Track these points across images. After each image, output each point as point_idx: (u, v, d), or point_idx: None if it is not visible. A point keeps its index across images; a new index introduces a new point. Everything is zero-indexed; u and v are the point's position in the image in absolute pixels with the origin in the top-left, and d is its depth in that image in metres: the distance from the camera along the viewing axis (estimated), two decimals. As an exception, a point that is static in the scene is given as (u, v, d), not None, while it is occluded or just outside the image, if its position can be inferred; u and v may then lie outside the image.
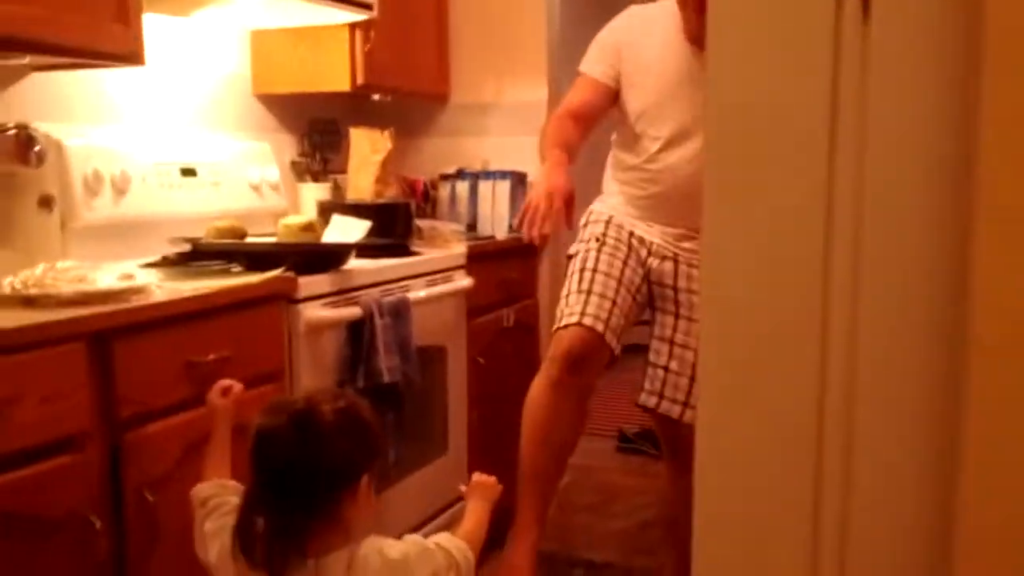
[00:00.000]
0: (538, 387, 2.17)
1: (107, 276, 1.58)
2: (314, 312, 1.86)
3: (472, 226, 2.79)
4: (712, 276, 0.79)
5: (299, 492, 1.14)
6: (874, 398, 0.73)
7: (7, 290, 1.46)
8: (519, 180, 2.81)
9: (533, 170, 2.69)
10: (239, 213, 2.22)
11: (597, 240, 2.19)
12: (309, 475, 1.14)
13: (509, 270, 2.70)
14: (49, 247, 1.71)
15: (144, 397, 1.48)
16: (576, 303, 2.13)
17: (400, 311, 2.04)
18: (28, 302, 1.45)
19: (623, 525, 2.92)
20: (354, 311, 1.93)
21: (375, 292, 2.03)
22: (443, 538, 1.31)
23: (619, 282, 2.14)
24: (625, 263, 2.16)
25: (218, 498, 1.27)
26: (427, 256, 2.33)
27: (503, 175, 2.79)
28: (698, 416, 0.82)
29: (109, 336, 1.44)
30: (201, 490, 1.29)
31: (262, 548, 1.14)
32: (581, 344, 2.11)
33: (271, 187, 2.48)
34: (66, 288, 1.49)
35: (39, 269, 1.54)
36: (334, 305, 1.92)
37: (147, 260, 1.88)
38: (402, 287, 2.13)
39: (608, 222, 2.22)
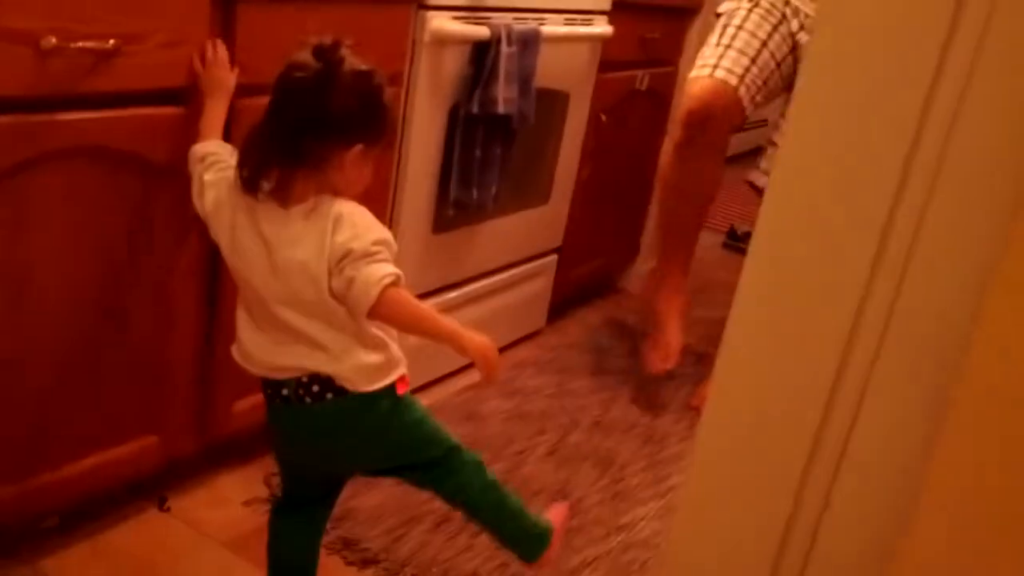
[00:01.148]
0: (666, 149, 2.17)
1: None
2: (442, 23, 1.79)
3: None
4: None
5: (295, 127, 1.15)
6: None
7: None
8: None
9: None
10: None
11: (778, 19, 2.04)
12: (309, 113, 1.14)
13: (655, 29, 2.53)
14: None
15: (259, 67, 1.47)
16: (712, 56, 2.04)
17: (529, 43, 1.95)
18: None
19: (706, 315, 2.91)
20: (482, 31, 1.85)
21: (507, 17, 1.93)
22: (370, 299, 1.15)
23: (763, 44, 2.02)
24: (775, 28, 2.02)
25: (217, 156, 1.30)
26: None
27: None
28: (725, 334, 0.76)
29: (234, -2, 1.42)
30: (202, 147, 1.31)
31: (251, 176, 1.17)
32: (711, 95, 2.03)
33: None
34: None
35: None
36: (463, 21, 1.84)
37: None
38: (537, 18, 2.03)
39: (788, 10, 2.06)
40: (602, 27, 2.25)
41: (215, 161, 1.30)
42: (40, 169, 1.26)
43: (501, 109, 1.90)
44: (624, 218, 2.84)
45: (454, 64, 1.87)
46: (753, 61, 2.02)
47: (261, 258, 1.19)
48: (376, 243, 1.17)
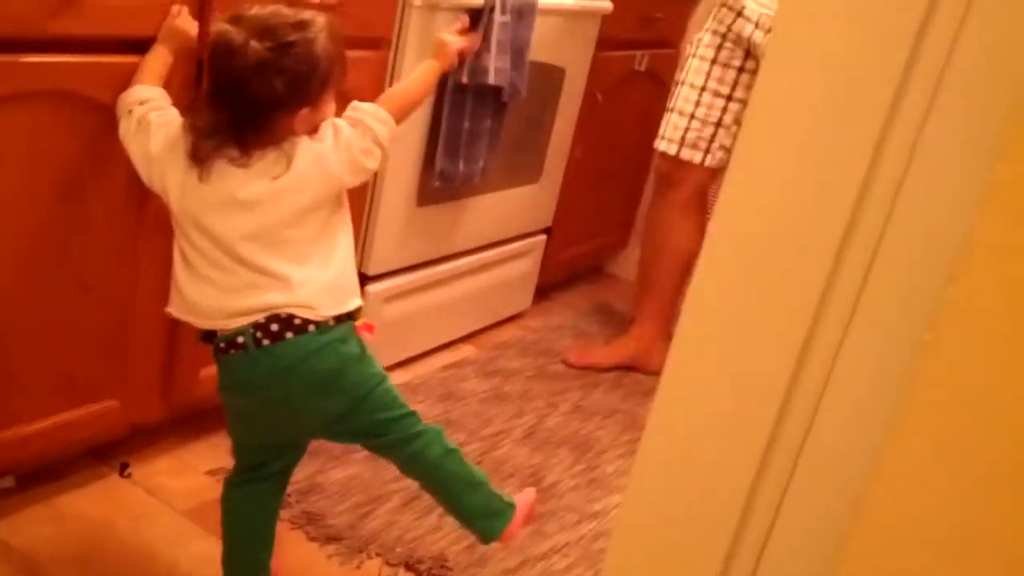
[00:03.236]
0: (655, 207, 2.31)
1: None
2: (434, -13, 1.73)
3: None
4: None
5: (232, 108, 1.16)
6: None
7: None
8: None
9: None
10: None
11: (716, 47, 2.08)
12: (238, 99, 1.15)
13: (657, 9, 2.47)
14: None
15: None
16: (677, 130, 2.15)
17: (524, 12, 1.89)
18: None
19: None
20: (475, -1, 1.79)
21: (503, -15, 1.87)
22: (369, 116, 1.29)
23: (702, 88, 2.11)
24: (713, 62, 2.09)
25: (159, 102, 1.28)
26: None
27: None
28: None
29: (212, -55, 1.36)
30: (143, 90, 1.29)
31: (195, 144, 1.18)
32: (660, 166, 2.26)
33: None
34: None
35: None
36: (457, -13, 1.78)
37: None
38: (534, -11, 1.97)
39: (740, 13, 2.04)
40: (602, 2, 2.19)
41: (158, 107, 1.28)
42: (2, 109, 1.21)
43: (492, 80, 1.85)
44: (617, 202, 2.78)
45: (445, 29, 1.80)
46: (692, 116, 2.12)
47: (224, 197, 1.18)
48: (364, 121, 1.28)
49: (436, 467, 1.30)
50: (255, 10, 1.17)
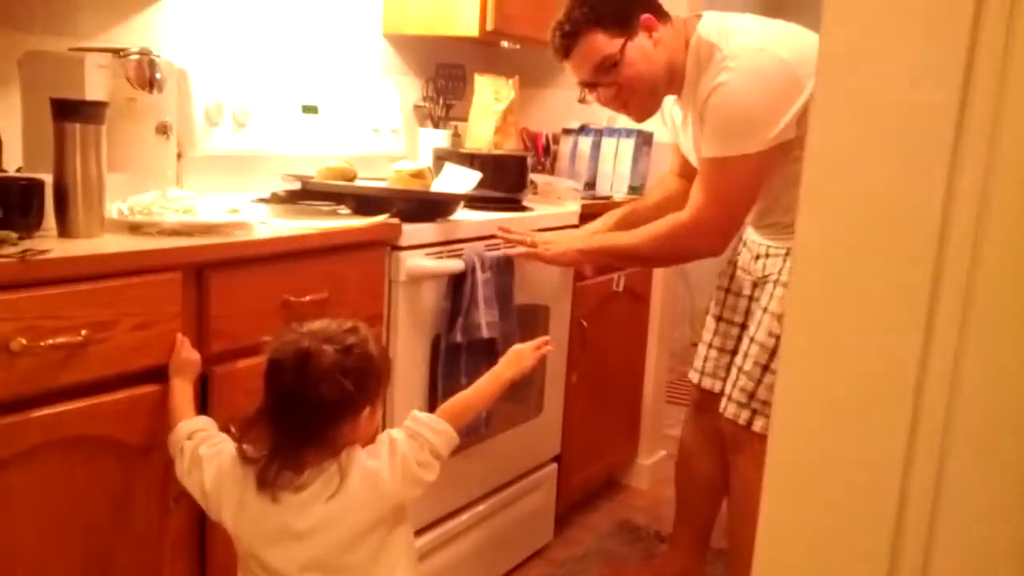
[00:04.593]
0: (685, 434, 2.29)
1: (213, 208, 1.58)
2: (416, 262, 1.82)
3: (591, 184, 2.70)
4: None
5: (299, 419, 1.20)
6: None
7: (115, 215, 1.48)
8: (644, 140, 2.69)
9: (660, 130, 2.56)
10: (356, 154, 2.20)
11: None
12: (308, 407, 1.20)
13: (624, 233, 2.59)
14: (164, 174, 1.72)
15: (236, 332, 1.48)
16: (696, 360, 2.17)
17: (503, 267, 1.98)
18: (133, 228, 1.47)
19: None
20: (456, 264, 1.88)
21: (479, 245, 1.97)
22: (427, 427, 1.32)
23: (718, 318, 2.12)
24: (727, 291, 2.10)
25: (206, 432, 1.32)
26: (538, 212, 2.26)
27: (628, 133, 2.67)
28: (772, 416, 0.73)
29: (207, 268, 1.44)
30: (187, 424, 1.32)
31: (261, 464, 1.21)
32: (692, 394, 2.23)
33: (391, 130, 2.46)
34: (171, 217, 1.50)
35: (149, 196, 1.56)
36: (437, 256, 1.88)
37: (259, 195, 1.89)
38: (508, 242, 2.07)
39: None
40: (573, 240, 2.30)
41: (206, 437, 1.31)
42: (15, 467, 1.23)
43: (485, 334, 1.91)
44: (619, 415, 2.80)
45: (432, 297, 1.89)
46: (709, 345, 2.11)
47: (280, 527, 1.19)
48: (421, 433, 1.32)
49: None
50: (304, 325, 1.25)
